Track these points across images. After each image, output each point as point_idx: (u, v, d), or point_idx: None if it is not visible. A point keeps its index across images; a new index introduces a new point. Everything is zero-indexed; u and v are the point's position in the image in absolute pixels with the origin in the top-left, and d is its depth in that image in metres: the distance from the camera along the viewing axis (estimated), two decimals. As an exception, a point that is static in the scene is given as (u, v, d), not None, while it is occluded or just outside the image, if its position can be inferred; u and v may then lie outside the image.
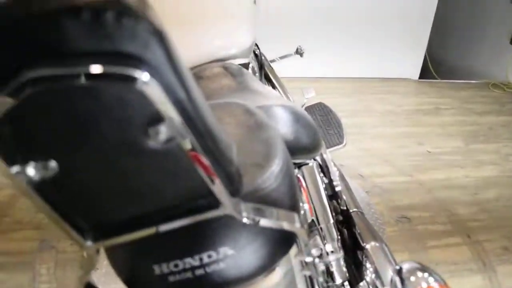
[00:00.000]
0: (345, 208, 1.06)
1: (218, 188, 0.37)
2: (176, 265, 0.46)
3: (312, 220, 0.90)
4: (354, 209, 1.03)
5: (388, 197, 1.99)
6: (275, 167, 0.52)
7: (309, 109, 1.68)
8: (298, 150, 0.79)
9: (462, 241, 1.76)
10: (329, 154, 1.01)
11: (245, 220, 0.42)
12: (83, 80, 0.27)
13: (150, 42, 0.29)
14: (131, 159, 0.33)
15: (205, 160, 0.35)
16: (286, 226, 0.45)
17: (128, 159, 0.33)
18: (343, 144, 1.48)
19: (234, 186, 0.41)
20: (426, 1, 3.18)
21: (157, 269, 0.47)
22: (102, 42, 0.27)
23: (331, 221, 0.88)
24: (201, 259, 0.46)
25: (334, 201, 1.01)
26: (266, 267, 0.50)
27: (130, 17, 0.28)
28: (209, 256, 0.46)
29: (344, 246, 1.03)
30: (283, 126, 0.76)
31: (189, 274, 0.47)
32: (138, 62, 0.28)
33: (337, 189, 0.97)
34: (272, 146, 0.57)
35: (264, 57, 1.63)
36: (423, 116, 2.85)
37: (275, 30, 2.82)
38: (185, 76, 0.33)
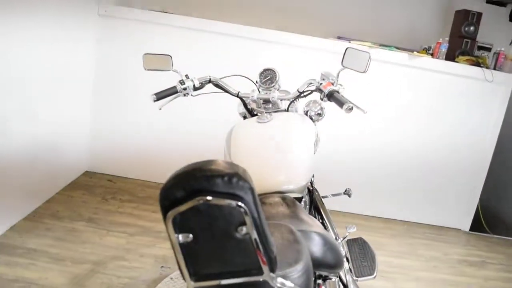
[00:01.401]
0: None
1: (265, 260, 0.69)
2: None
3: None
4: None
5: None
6: (298, 266, 0.84)
7: (350, 241, 1.94)
8: (322, 264, 1.09)
9: None
10: (349, 276, 1.27)
11: (276, 285, 0.72)
12: (223, 202, 0.64)
13: (248, 192, 0.66)
14: (226, 240, 0.68)
15: (260, 248, 0.69)
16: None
17: (225, 240, 0.68)
18: (373, 276, 1.72)
19: (272, 265, 0.72)
20: (481, 154, 3.44)
21: None
22: (230, 188, 0.64)
23: None
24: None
25: None
26: None
27: (241, 180, 0.65)
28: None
29: None
30: (314, 245, 1.08)
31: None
32: (241, 199, 0.65)
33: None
34: (300, 255, 0.90)
35: (318, 192, 1.97)
36: (467, 267, 2.94)
37: (328, 172, 3.20)
38: (259, 208, 0.69)
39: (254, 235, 0.68)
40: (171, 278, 2.10)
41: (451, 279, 2.71)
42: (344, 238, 1.86)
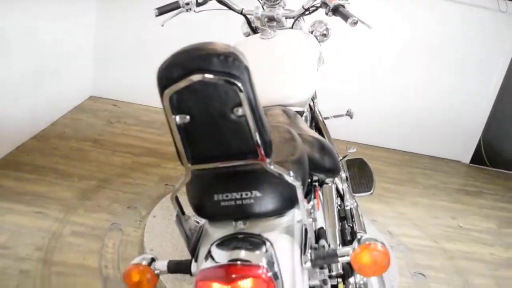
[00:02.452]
0: (352, 228, 1.34)
1: (259, 143, 0.71)
2: (226, 196, 0.80)
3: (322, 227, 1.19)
4: (361, 231, 1.32)
5: (411, 255, 2.19)
6: (294, 157, 0.86)
7: (349, 161, 1.98)
8: (318, 167, 1.11)
9: (471, 306, 1.91)
10: (345, 184, 1.31)
11: (270, 169, 0.74)
12: (217, 80, 0.65)
13: (243, 72, 0.66)
14: (222, 121, 0.69)
15: (255, 130, 0.70)
16: (290, 179, 0.77)
17: (221, 121, 0.69)
18: (370, 192, 1.77)
19: (267, 149, 0.74)
20: (487, 89, 3.41)
21: (215, 197, 0.81)
22: (226, 67, 0.65)
23: (337, 227, 1.17)
24: (241, 195, 0.80)
25: (345, 222, 1.30)
26: (280, 211, 0.82)
27: (237, 59, 0.65)
28: (246, 194, 0.80)
29: None
30: (311, 148, 1.10)
31: (232, 203, 0.80)
32: (237, 78, 0.65)
33: (347, 210, 1.26)
34: (296, 150, 0.92)
35: (319, 112, 1.98)
36: (464, 196, 3.01)
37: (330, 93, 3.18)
38: (254, 89, 0.69)
39: (249, 116, 0.68)
40: (175, 194, 2.18)
41: (447, 206, 2.79)
42: (344, 157, 1.90)
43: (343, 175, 1.38)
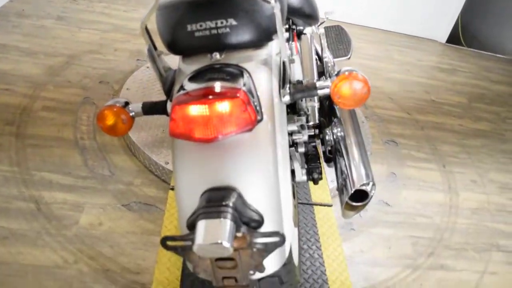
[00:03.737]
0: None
1: None
2: (200, 25, 0.75)
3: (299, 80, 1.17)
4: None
5: (384, 125, 2.25)
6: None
7: (327, 28, 1.92)
8: (297, 10, 1.06)
9: (437, 168, 2.02)
10: (323, 41, 1.26)
11: None
12: None
13: None
14: None
15: None
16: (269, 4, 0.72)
17: None
18: (347, 57, 1.74)
19: None
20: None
21: (188, 27, 0.76)
22: None
23: (315, 78, 1.15)
24: (216, 23, 0.75)
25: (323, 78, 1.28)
26: (257, 42, 0.78)
27: None
28: (221, 22, 0.75)
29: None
30: None
31: (207, 33, 0.75)
32: None
33: (325, 65, 1.24)
34: None
35: None
36: (439, 72, 3.03)
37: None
38: None
39: None
40: (148, 67, 2.10)
41: (421, 81, 2.82)
42: (321, 23, 1.83)
43: (322, 32, 1.32)
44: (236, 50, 0.79)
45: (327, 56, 1.24)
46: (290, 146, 1.03)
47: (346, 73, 0.77)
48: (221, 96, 0.65)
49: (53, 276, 1.28)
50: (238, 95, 0.65)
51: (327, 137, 1.10)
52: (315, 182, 1.14)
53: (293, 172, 1.09)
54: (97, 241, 1.39)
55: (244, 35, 0.77)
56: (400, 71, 2.88)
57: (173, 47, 0.80)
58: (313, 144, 1.09)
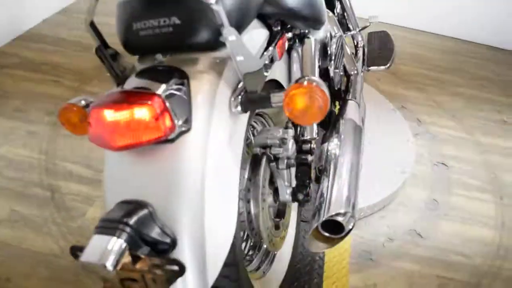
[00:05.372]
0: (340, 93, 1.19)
1: None
2: (144, 23, 0.69)
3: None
4: (352, 99, 1.17)
5: (437, 145, 2.00)
6: None
7: (372, 34, 1.75)
8: (293, 14, 0.93)
9: (492, 199, 1.75)
10: (336, 44, 1.12)
11: None
12: None
13: None
14: None
15: None
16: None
17: None
18: (386, 66, 1.57)
19: None
20: None
21: (134, 26, 0.70)
22: None
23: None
24: (159, 22, 0.68)
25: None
26: (206, 45, 0.70)
27: None
28: (164, 21, 0.68)
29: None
30: None
31: (150, 32, 0.69)
32: None
33: (331, 72, 1.10)
34: None
35: None
36: (520, 90, 2.66)
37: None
38: None
39: None
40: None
41: (495, 99, 2.47)
42: (362, 28, 1.67)
43: (335, 31, 1.18)
44: (184, 52, 0.72)
45: (335, 65, 1.11)
46: (271, 161, 0.93)
47: (305, 83, 0.66)
48: (131, 102, 0.58)
49: (47, 264, 1.30)
50: (149, 102, 0.57)
51: (321, 154, 0.98)
52: (301, 204, 1.02)
53: (276, 190, 0.99)
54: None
55: (190, 36, 0.69)
56: (472, 86, 2.56)
57: (125, 47, 0.75)
58: (305, 160, 0.98)
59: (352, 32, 1.65)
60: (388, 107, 2.13)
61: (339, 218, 0.78)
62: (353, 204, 0.82)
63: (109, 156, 0.66)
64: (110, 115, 0.58)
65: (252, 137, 0.99)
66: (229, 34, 0.64)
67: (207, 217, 0.64)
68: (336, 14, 1.66)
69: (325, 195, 0.85)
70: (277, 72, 0.97)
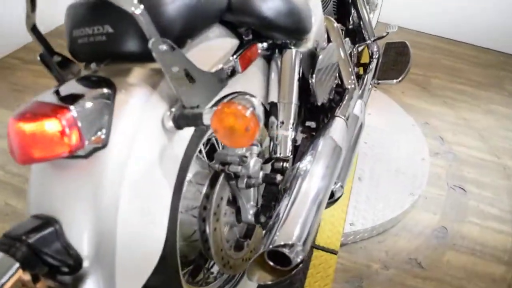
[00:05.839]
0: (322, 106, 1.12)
1: None
2: (81, 31, 0.66)
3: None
4: (340, 116, 1.09)
5: (457, 166, 1.86)
6: None
7: (390, 44, 1.64)
8: (267, 25, 0.87)
9: (510, 232, 1.59)
10: (323, 54, 1.05)
11: None
12: None
13: None
14: None
15: None
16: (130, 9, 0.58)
17: None
18: (397, 80, 1.46)
19: None
20: None
21: (74, 33, 0.68)
22: None
23: (294, 102, 0.95)
24: (93, 30, 0.65)
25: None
26: (142, 55, 0.65)
27: None
28: (98, 29, 0.64)
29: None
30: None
31: (85, 40, 0.66)
32: None
33: (313, 85, 1.02)
34: None
35: None
36: None
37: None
38: None
39: None
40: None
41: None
42: (379, 37, 1.58)
43: (321, 42, 1.10)
44: (120, 61, 0.68)
45: (322, 78, 1.03)
46: (231, 179, 0.88)
47: (236, 102, 0.60)
48: (40, 114, 0.55)
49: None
50: (58, 115, 0.54)
51: (290, 174, 0.91)
52: (263, 227, 0.95)
53: (239, 210, 0.93)
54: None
55: (123, 46, 0.65)
56: (507, 104, 2.37)
57: (70, 54, 0.73)
58: (273, 180, 0.91)
59: (368, 42, 1.56)
60: (407, 121, 2.01)
61: (285, 250, 0.71)
62: (306, 238, 0.74)
63: (34, 166, 0.64)
64: (19, 126, 0.56)
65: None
66: (158, 44, 0.60)
67: (119, 239, 0.60)
68: (351, 22, 1.57)
69: (279, 220, 0.78)
70: (248, 84, 0.92)
